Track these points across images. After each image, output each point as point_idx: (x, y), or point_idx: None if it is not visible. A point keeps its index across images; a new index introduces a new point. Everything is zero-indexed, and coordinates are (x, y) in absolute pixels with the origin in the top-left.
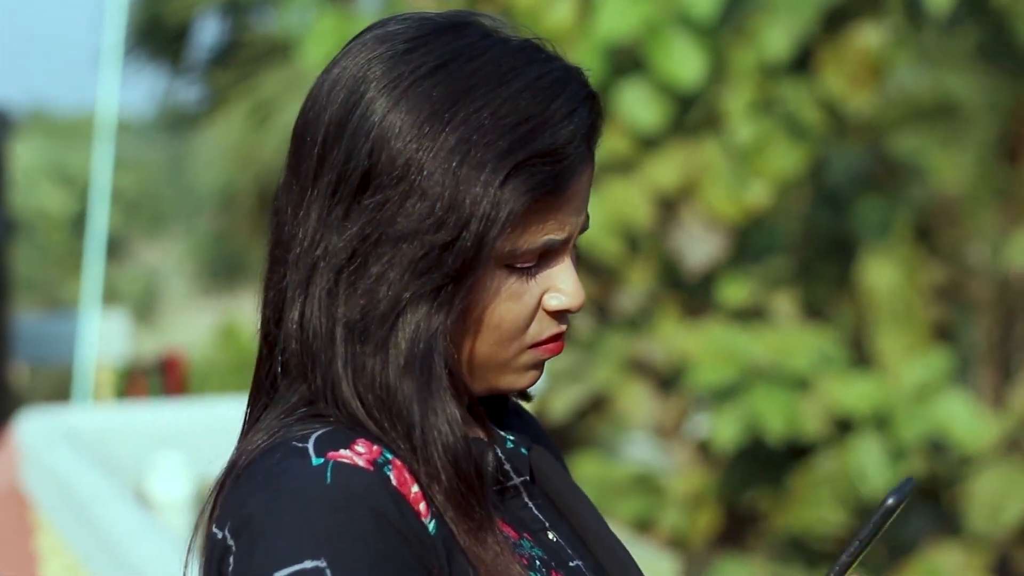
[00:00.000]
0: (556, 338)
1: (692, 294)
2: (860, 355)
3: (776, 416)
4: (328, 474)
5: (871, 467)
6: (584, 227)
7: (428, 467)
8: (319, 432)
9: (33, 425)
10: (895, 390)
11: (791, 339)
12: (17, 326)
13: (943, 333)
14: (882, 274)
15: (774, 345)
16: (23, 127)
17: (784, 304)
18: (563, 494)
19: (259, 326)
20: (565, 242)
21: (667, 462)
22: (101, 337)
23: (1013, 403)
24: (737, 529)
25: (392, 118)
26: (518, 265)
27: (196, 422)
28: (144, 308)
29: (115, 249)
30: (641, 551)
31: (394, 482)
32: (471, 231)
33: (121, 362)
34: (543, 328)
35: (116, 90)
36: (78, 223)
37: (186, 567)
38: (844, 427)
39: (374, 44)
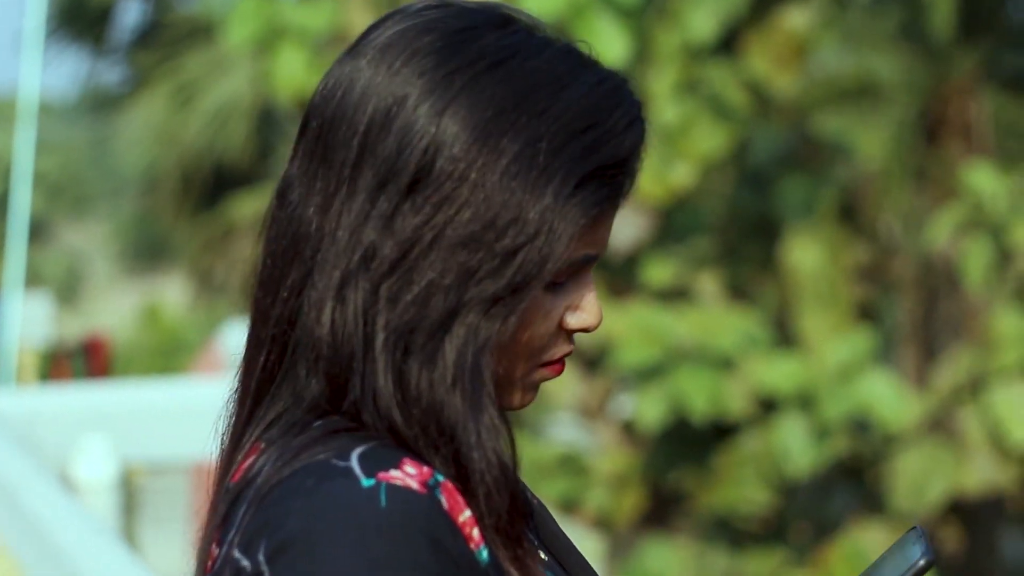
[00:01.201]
0: (564, 358)
1: (617, 275)
2: (784, 335)
3: (700, 396)
4: (383, 497)
5: (795, 446)
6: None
7: (479, 489)
8: (361, 449)
9: None
10: (819, 370)
11: (715, 319)
12: None
13: (866, 313)
14: (806, 254)
15: (698, 325)
16: None
17: (708, 284)
18: (537, 513)
19: (266, 326)
20: (597, 258)
21: (592, 442)
22: (24, 320)
23: (935, 382)
24: (662, 509)
25: (452, 114)
26: (556, 280)
27: (120, 404)
28: (67, 290)
29: (38, 231)
30: (567, 531)
31: (445, 506)
32: (537, 243)
33: (44, 345)
34: (558, 348)
35: (38, 72)
36: (0, 206)
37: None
38: (768, 407)
39: (418, 33)
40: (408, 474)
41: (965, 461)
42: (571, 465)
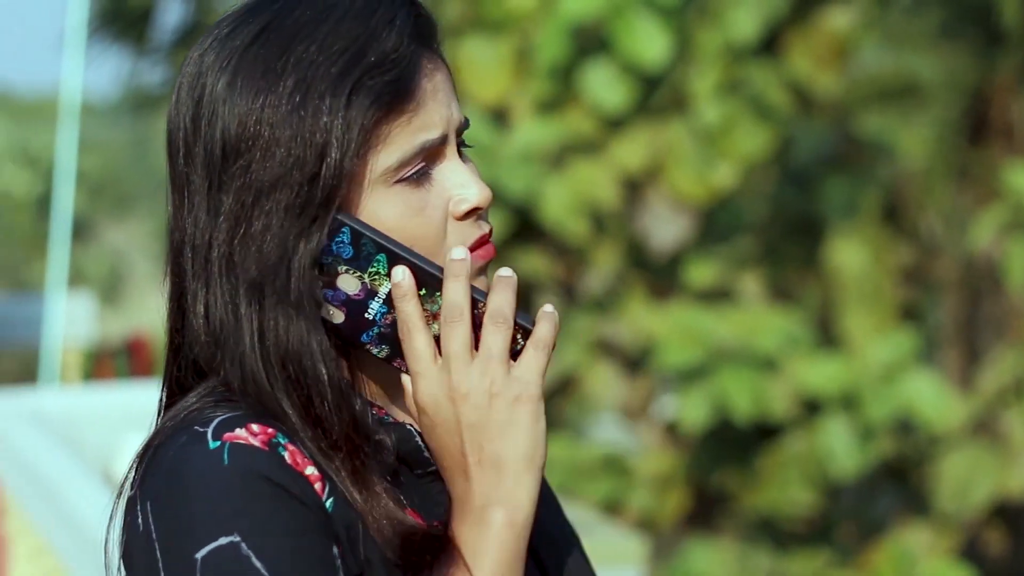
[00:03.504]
0: (483, 242)
1: (659, 275)
2: (827, 336)
3: (743, 397)
4: (225, 455)
5: (839, 447)
6: (462, 126)
7: (319, 408)
8: (221, 417)
9: None
10: (862, 370)
11: (758, 320)
12: None
13: (910, 313)
14: (849, 254)
15: (741, 326)
16: None
17: (751, 285)
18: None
19: (166, 336)
20: (442, 141)
21: (635, 443)
22: (67, 319)
23: (980, 383)
24: (705, 510)
25: (232, 89)
26: (407, 175)
27: None
28: (110, 290)
29: (80, 231)
30: (609, 533)
31: (288, 461)
32: (331, 158)
33: (88, 344)
34: (464, 235)
35: (80, 71)
36: (43, 205)
37: (107, 543)
38: (812, 408)
39: (204, 40)
40: (252, 432)
41: (1010, 463)
42: (614, 466)
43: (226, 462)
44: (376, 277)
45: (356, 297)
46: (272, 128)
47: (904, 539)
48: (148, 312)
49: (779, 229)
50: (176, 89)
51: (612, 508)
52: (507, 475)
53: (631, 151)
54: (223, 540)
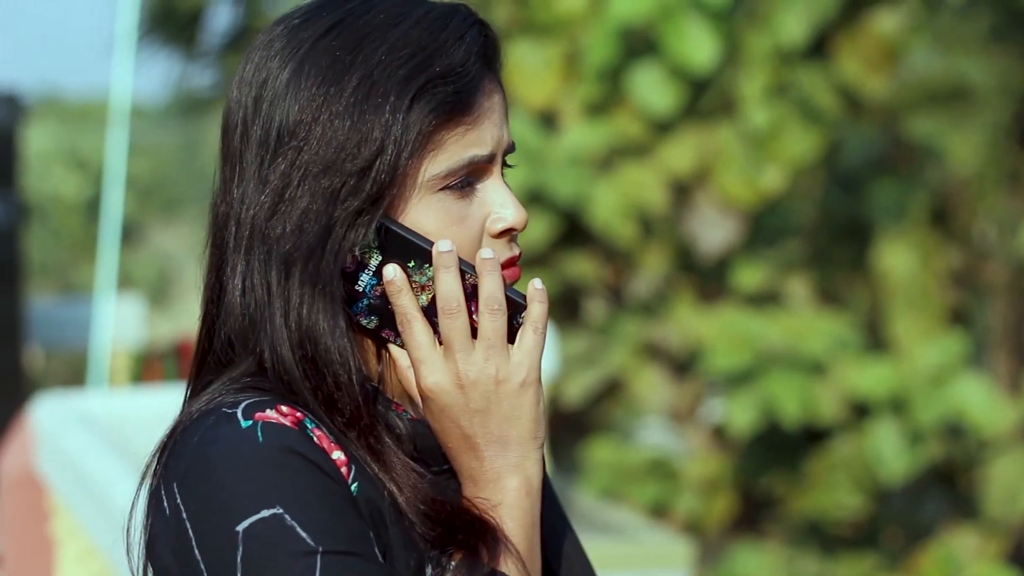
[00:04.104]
0: (511, 263)
1: (707, 278)
2: (875, 339)
3: (791, 400)
4: (259, 433)
5: (888, 451)
6: (509, 148)
7: (330, 384)
8: (249, 399)
9: (48, 410)
10: (911, 374)
11: (806, 323)
12: (31, 311)
13: (958, 317)
14: (897, 258)
15: (789, 329)
16: (37, 112)
17: (799, 288)
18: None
19: (200, 309)
20: (491, 159)
21: (682, 447)
22: (116, 322)
23: None
24: (753, 514)
25: (297, 75)
26: (452, 185)
27: None
28: (159, 293)
29: (129, 234)
30: (656, 536)
31: (316, 443)
32: (386, 155)
33: (136, 347)
34: (496, 253)
35: (130, 75)
36: (92, 208)
37: (128, 529)
38: (860, 412)
39: (272, 28)
40: (282, 413)
41: None
42: (661, 470)
43: (260, 439)
44: (367, 251)
45: (347, 269)
46: (331, 118)
47: (952, 543)
48: (196, 315)
49: (827, 232)
50: (240, 70)
51: (659, 512)
52: (514, 452)
53: (679, 154)
54: (265, 512)
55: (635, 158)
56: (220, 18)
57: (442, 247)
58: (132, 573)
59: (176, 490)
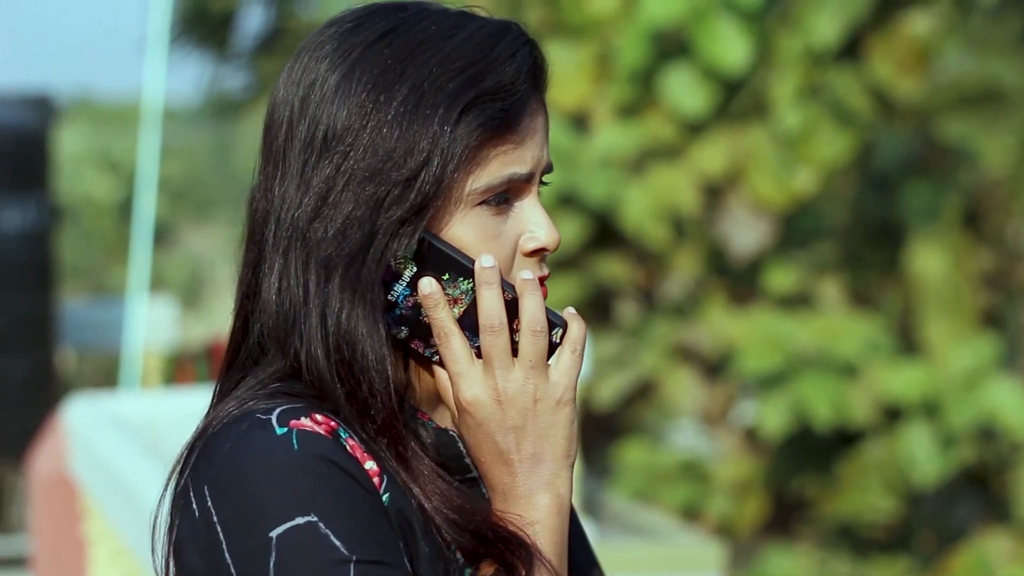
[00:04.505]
0: (540, 282)
1: (739, 280)
2: (907, 341)
3: (823, 403)
4: (294, 441)
5: (920, 454)
6: (548, 168)
7: (364, 392)
8: (283, 406)
9: (81, 411)
10: (943, 377)
11: (838, 326)
12: (64, 312)
13: (991, 319)
14: (930, 260)
15: (821, 332)
16: (69, 113)
17: (831, 290)
18: None
19: (233, 306)
20: (529, 178)
21: (714, 449)
22: (148, 323)
23: None
24: (784, 517)
25: (347, 80)
26: (489, 201)
27: None
28: (191, 294)
29: (161, 236)
30: (688, 538)
31: (350, 452)
32: (432, 167)
33: (168, 348)
34: (527, 272)
35: (162, 77)
36: (124, 210)
37: (153, 532)
38: (892, 414)
39: (323, 30)
40: (316, 422)
41: None
42: (692, 472)
43: (296, 447)
44: (402, 261)
45: (382, 279)
46: (380, 125)
47: (984, 547)
48: (228, 317)
49: (859, 234)
50: (288, 69)
51: (691, 514)
52: (547, 469)
53: (711, 156)
54: (300, 520)
55: (667, 160)
56: (252, 20)
57: (485, 263)
58: (156, 573)
59: (207, 493)
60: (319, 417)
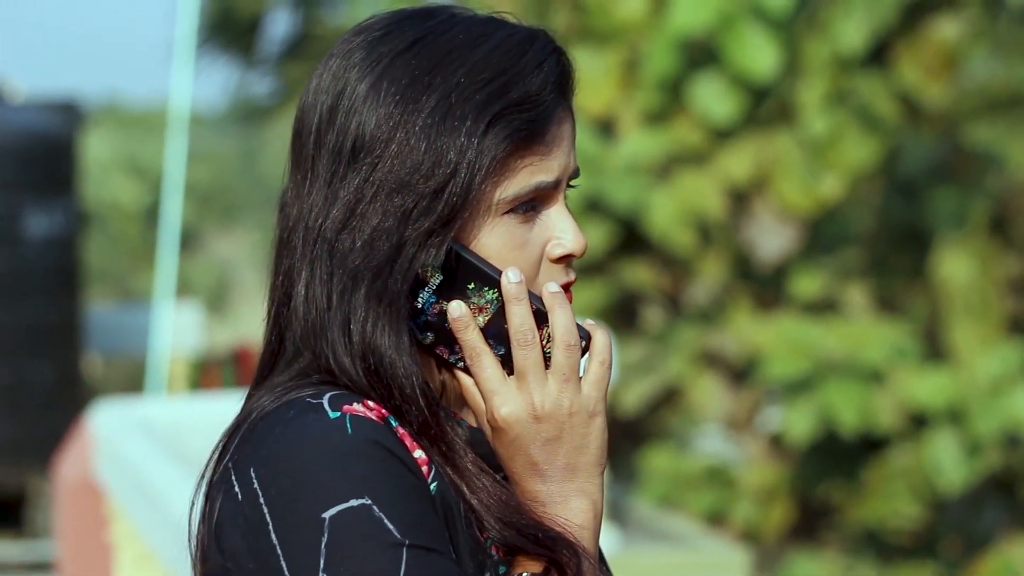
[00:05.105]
0: (565, 288)
1: (765, 286)
2: (934, 348)
3: (849, 409)
4: (348, 425)
5: (946, 461)
6: (574, 173)
7: (399, 399)
8: (331, 392)
9: (107, 416)
10: (969, 383)
11: (864, 332)
12: (90, 317)
13: (1018, 326)
14: (956, 266)
15: (847, 338)
16: (96, 119)
17: (857, 296)
18: None
19: (266, 312)
20: (556, 186)
21: (739, 455)
22: (174, 329)
23: None
24: (810, 522)
25: (376, 90)
26: (516, 209)
27: None
28: (217, 300)
29: (188, 241)
30: (713, 544)
31: (400, 439)
32: (459, 178)
33: (194, 353)
34: (554, 278)
35: (189, 82)
36: (151, 215)
37: (190, 523)
38: (918, 421)
39: (352, 37)
40: (368, 408)
41: None
42: (718, 478)
43: (350, 431)
44: (428, 268)
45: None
46: (407, 137)
47: (1009, 553)
48: (254, 322)
49: (886, 240)
50: (317, 76)
51: (716, 520)
52: (580, 477)
53: (737, 162)
54: (354, 502)
55: (693, 165)
56: (278, 25)
57: (512, 277)
58: (191, 560)
59: (253, 474)
60: (371, 403)
